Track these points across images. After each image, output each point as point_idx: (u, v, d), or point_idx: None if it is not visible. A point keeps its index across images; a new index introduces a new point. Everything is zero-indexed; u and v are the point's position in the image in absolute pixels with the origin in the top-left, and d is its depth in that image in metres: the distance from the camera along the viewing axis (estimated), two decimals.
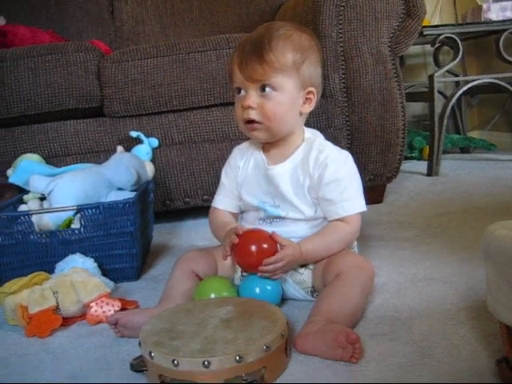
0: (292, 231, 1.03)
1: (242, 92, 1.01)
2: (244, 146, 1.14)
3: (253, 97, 0.99)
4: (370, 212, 1.60)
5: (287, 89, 0.99)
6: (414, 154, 2.64)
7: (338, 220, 1.02)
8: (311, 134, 1.09)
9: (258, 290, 0.97)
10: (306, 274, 1.02)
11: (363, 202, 1.04)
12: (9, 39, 2.00)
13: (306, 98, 1.03)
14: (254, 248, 0.97)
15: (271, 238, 0.98)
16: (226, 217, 1.13)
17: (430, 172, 2.23)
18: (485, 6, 2.33)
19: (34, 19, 2.25)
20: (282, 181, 1.05)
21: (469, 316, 0.89)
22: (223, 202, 1.14)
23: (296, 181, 1.04)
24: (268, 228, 1.03)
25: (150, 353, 0.75)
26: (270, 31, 1.00)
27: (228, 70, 1.06)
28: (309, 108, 1.04)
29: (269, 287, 0.97)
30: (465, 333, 0.84)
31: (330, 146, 1.06)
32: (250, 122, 1.01)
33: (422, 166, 2.33)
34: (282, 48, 0.98)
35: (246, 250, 0.98)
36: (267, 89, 0.98)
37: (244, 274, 1.05)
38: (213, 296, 0.95)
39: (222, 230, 1.06)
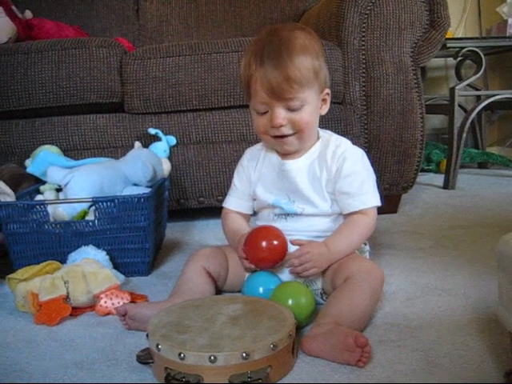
0: (308, 226, 1.03)
1: (267, 110, 1.00)
2: (256, 147, 1.15)
3: (282, 114, 0.99)
4: (383, 221, 1.61)
5: (311, 99, 1.01)
6: (431, 167, 2.63)
7: (355, 213, 1.03)
8: (325, 133, 1.11)
9: (261, 289, 0.97)
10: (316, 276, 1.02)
11: (378, 197, 1.06)
12: (34, 32, 2.04)
13: (323, 100, 1.05)
14: (264, 244, 0.98)
15: (281, 234, 0.99)
16: (238, 221, 1.13)
17: (447, 185, 2.22)
18: (510, 21, 2.32)
19: (60, 15, 2.29)
20: (298, 175, 1.05)
21: (478, 328, 0.88)
22: (235, 203, 1.15)
23: (313, 175, 1.05)
24: (283, 223, 1.05)
25: (157, 345, 0.75)
26: (284, 43, 0.98)
27: (244, 85, 1.03)
28: (326, 109, 1.07)
29: (272, 287, 0.97)
30: (474, 344, 0.83)
31: (346, 141, 1.08)
32: (281, 136, 1.01)
33: (439, 178, 2.32)
34: (303, 61, 0.97)
35: (255, 246, 0.99)
36: (295, 104, 0.98)
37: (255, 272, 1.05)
38: (290, 302, 0.91)
39: (235, 236, 1.07)
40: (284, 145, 1.03)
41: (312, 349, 0.82)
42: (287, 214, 1.07)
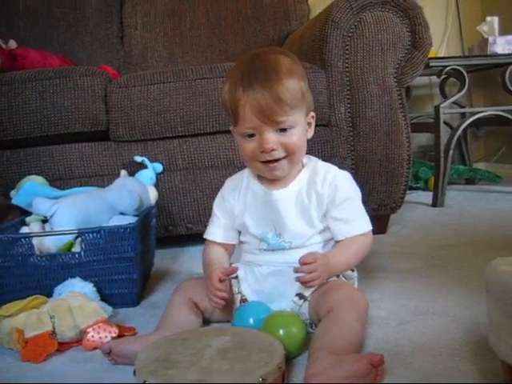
0: (294, 258, 1.00)
1: (255, 134, 0.98)
2: (237, 176, 1.14)
3: (272, 137, 0.97)
4: (372, 242, 1.60)
5: (300, 121, 1.00)
6: (419, 185, 2.64)
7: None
8: (306, 158, 1.09)
9: (251, 320, 0.95)
10: (304, 307, 1.00)
11: (369, 219, 1.07)
12: (19, 62, 2.03)
13: (308, 123, 1.05)
14: None
15: None
16: (216, 253, 1.10)
17: (435, 203, 2.22)
18: (491, 40, 2.35)
19: (45, 43, 2.28)
20: (285, 205, 1.04)
21: (471, 351, 0.87)
22: (215, 233, 1.12)
23: (301, 204, 1.04)
24: (269, 257, 1.03)
25: (145, 382, 0.73)
26: (272, 66, 0.97)
27: (230, 110, 1.00)
28: (311, 132, 1.06)
29: (262, 316, 0.95)
30: (466, 369, 0.82)
31: (333, 167, 1.08)
32: (273, 161, 1.00)
33: (427, 196, 2.32)
34: (291, 83, 0.97)
35: None
36: (286, 127, 0.97)
37: (242, 303, 1.03)
38: (281, 332, 0.89)
39: (208, 268, 1.04)
40: (275, 170, 1.01)
41: None
42: (273, 250, 1.06)
